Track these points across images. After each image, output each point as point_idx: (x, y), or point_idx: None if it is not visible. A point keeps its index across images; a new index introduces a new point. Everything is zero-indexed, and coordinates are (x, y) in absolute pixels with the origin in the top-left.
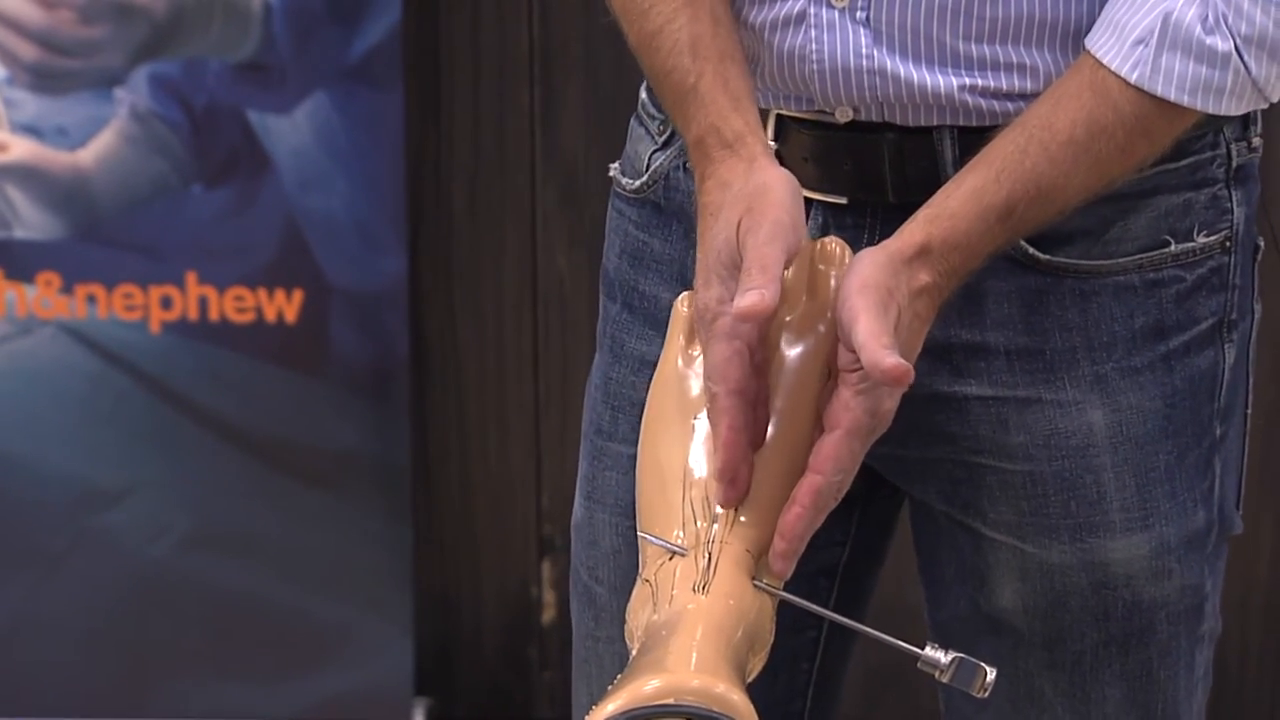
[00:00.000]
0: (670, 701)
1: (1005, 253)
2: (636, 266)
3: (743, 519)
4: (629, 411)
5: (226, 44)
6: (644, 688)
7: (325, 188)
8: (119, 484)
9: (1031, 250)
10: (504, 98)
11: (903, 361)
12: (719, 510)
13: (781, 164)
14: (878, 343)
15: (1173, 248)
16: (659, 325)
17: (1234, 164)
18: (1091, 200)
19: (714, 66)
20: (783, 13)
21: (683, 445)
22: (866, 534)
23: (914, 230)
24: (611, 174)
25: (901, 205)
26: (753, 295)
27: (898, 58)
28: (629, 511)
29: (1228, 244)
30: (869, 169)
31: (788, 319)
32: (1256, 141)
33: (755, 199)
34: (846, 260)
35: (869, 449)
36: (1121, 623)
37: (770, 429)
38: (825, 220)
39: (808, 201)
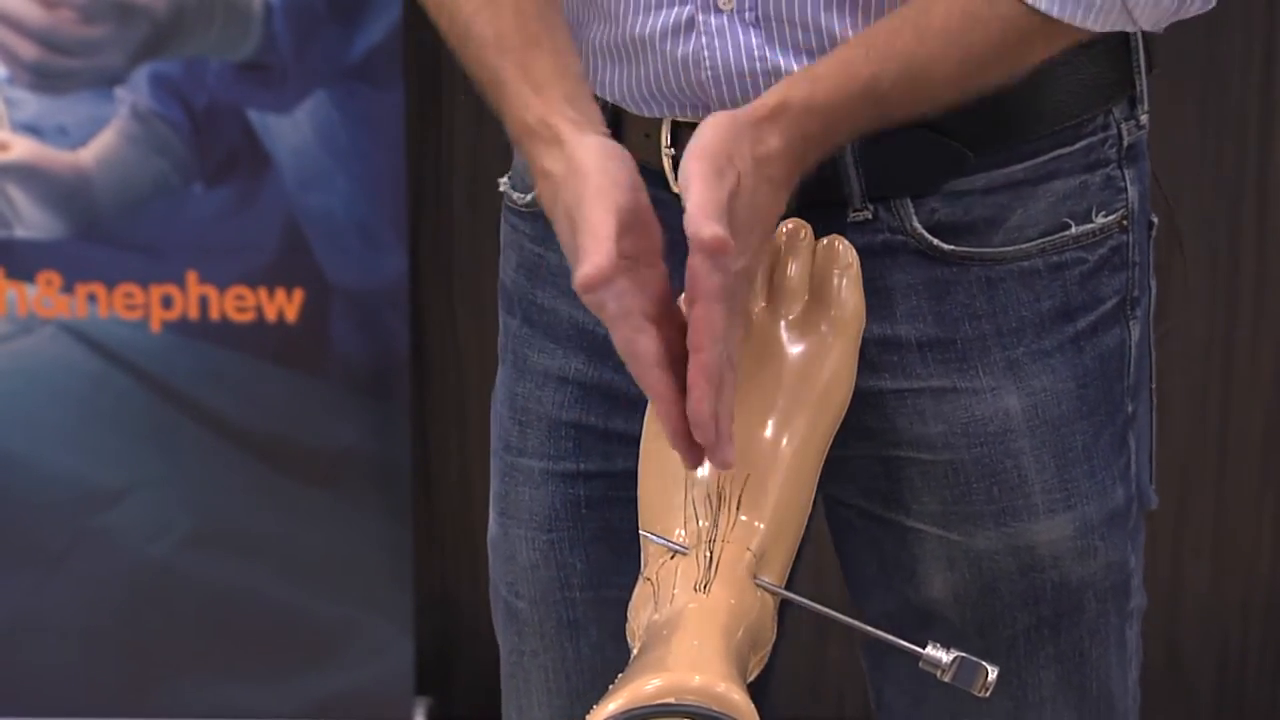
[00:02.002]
0: (671, 701)
1: (909, 245)
2: (533, 280)
3: (744, 518)
4: (537, 426)
5: (227, 43)
6: (645, 687)
7: (326, 187)
8: (119, 483)
9: (935, 241)
10: None
11: (719, 232)
12: (720, 510)
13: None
14: (701, 212)
15: (1073, 230)
16: (559, 338)
17: (1125, 143)
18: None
19: (515, 58)
20: (671, 20)
21: None
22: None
23: (771, 92)
24: (502, 189)
25: (804, 205)
26: (584, 267)
27: (790, 55)
28: (544, 525)
29: (1124, 223)
30: None
31: (790, 318)
32: (1144, 119)
33: (570, 181)
34: (851, 260)
35: None
36: (1051, 604)
37: (772, 428)
38: None
39: None
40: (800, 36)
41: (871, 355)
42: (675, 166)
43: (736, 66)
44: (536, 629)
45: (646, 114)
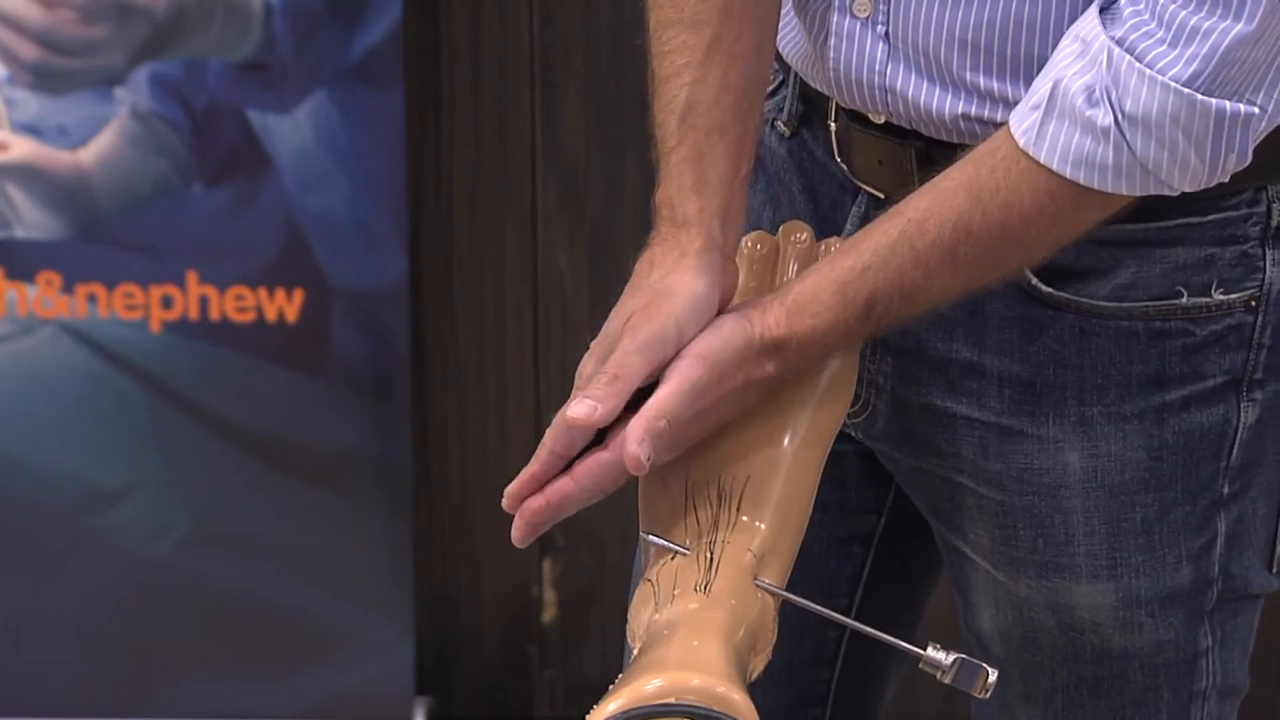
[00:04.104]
0: (671, 701)
1: (1014, 279)
2: None
3: (744, 519)
4: None
5: (227, 44)
6: (645, 687)
7: (326, 187)
8: (119, 484)
9: (1035, 281)
10: (504, 98)
11: (642, 460)
12: (721, 511)
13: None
14: (649, 420)
15: (1184, 300)
16: None
17: (1274, 223)
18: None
19: (696, 138)
20: (821, 9)
21: None
22: (907, 502)
23: (778, 320)
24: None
25: None
26: (584, 407)
27: (911, 76)
28: None
29: (1253, 303)
30: (899, 169)
31: None
32: None
33: (655, 301)
34: None
35: (873, 439)
36: (1092, 666)
37: (773, 429)
38: (866, 209)
39: (855, 190)
40: (922, 63)
41: (954, 376)
42: (839, 141)
43: (857, 75)
44: None
45: (811, 85)
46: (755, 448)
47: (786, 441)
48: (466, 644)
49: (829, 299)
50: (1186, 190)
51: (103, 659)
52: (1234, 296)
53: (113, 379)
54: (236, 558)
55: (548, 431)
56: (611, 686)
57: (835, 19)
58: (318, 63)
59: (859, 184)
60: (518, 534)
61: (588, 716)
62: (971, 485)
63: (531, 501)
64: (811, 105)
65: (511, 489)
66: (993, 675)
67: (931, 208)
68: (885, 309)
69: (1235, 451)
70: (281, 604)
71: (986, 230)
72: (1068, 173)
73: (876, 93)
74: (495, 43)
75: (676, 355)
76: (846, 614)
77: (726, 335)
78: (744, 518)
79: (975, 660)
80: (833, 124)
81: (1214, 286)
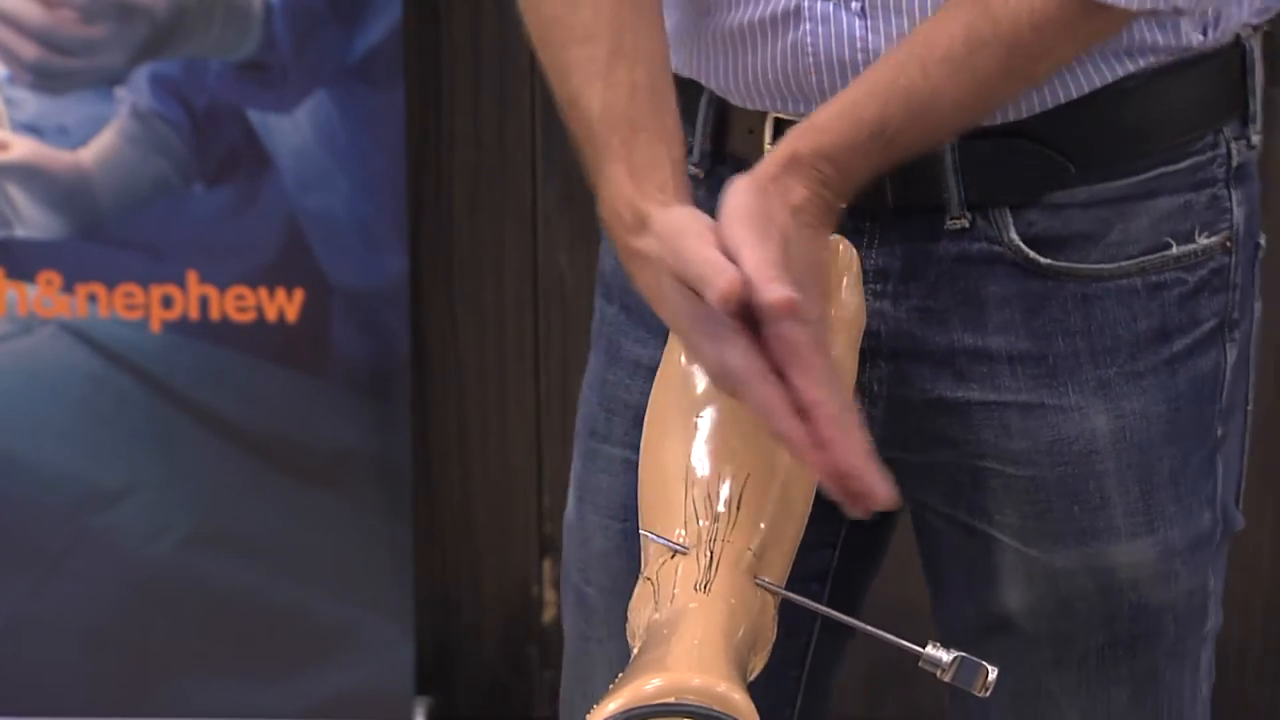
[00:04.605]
0: (671, 700)
1: (1005, 256)
2: None
3: (744, 518)
4: (624, 414)
5: (227, 43)
6: (645, 686)
7: (326, 187)
8: (119, 483)
9: (1032, 254)
10: (504, 98)
11: (788, 294)
12: (721, 510)
13: None
14: (762, 276)
15: (1174, 250)
16: (654, 329)
17: (1234, 163)
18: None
19: (620, 138)
20: (779, 7)
21: (685, 443)
22: (858, 537)
23: (780, 146)
24: None
25: (900, 209)
26: (720, 281)
27: (893, 44)
28: (620, 514)
29: (1228, 244)
30: None
31: None
32: (1255, 139)
33: (669, 242)
34: (852, 261)
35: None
36: (1129, 625)
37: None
38: None
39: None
40: (908, 26)
41: (961, 366)
42: None
43: (839, 55)
44: (604, 617)
45: (751, 107)
46: (755, 446)
47: None
48: (466, 644)
49: (836, 117)
50: (1181, 6)
51: (103, 659)
52: (1213, 240)
53: (113, 379)
54: (236, 558)
55: (781, 433)
56: (611, 686)
57: (807, 5)
58: (318, 62)
59: None
60: (869, 491)
61: (588, 716)
62: (997, 467)
63: (836, 456)
64: (730, 138)
65: (833, 473)
66: (993, 674)
67: (938, 25)
68: (899, 129)
69: (1224, 393)
70: (281, 604)
71: (997, 39)
72: None
73: (862, 70)
74: (495, 43)
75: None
76: (805, 651)
77: (736, 190)
78: (744, 516)
79: (975, 659)
80: (769, 146)
81: (1197, 232)
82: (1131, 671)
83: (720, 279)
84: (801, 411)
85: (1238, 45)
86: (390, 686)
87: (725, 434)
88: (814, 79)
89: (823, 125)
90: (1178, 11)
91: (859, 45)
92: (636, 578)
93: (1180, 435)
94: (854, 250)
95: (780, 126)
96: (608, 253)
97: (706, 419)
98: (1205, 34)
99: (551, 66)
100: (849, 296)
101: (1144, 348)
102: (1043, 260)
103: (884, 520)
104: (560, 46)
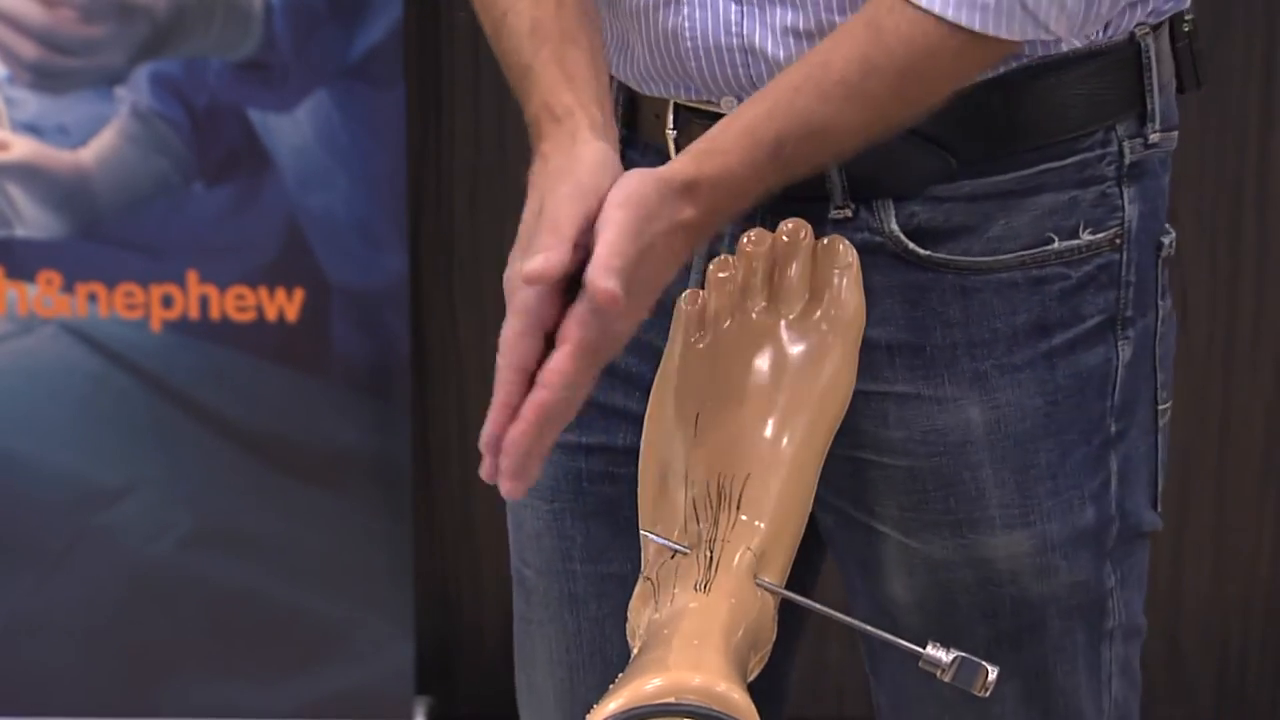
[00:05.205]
0: (671, 700)
1: (886, 247)
2: None
3: (744, 518)
4: None
5: (227, 43)
6: (645, 686)
7: (326, 186)
8: (119, 483)
9: (912, 245)
10: (504, 96)
11: (614, 289)
12: (721, 510)
13: (677, 151)
14: (605, 262)
15: (1056, 245)
16: None
17: (1127, 161)
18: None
19: (551, 47)
20: None
21: (684, 443)
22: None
23: (685, 164)
24: None
25: (786, 198)
26: (538, 259)
27: (770, 33)
28: (547, 495)
29: (1118, 241)
30: None
31: (790, 317)
32: (1155, 138)
33: (562, 172)
34: (851, 259)
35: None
36: (1010, 619)
37: (772, 427)
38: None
39: None
40: (781, 14)
41: None
42: (679, 149)
43: (715, 40)
44: (541, 598)
45: (653, 93)
46: (754, 446)
47: (785, 440)
48: (466, 644)
49: (736, 139)
50: (1061, 35)
51: (102, 658)
52: (1100, 236)
53: (113, 378)
54: (236, 557)
55: (499, 355)
56: (611, 686)
57: None
58: (318, 62)
59: None
60: (507, 478)
61: (588, 716)
62: (874, 458)
63: (512, 430)
64: (636, 126)
65: (486, 430)
66: (993, 674)
67: (834, 48)
68: (795, 149)
69: (1118, 390)
70: (281, 604)
71: (891, 65)
72: (950, 14)
73: (736, 56)
74: None
75: (599, 207)
76: None
77: (637, 181)
78: (743, 516)
79: (975, 659)
80: (671, 132)
81: (1081, 228)
82: (1019, 667)
83: (544, 256)
84: (528, 375)
85: (1131, 43)
86: (390, 686)
87: (725, 434)
88: (693, 64)
89: (724, 148)
90: (1059, 40)
91: (734, 30)
92: (568, 558)
93: (1059, 429)
94: (853, 250)
95: (679, 112)
96: None
97: (706, 419)
98: (1095, 34)
99: None
100: (848, 296)
101: (1022, 341)
102: (922, 251)
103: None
104: None
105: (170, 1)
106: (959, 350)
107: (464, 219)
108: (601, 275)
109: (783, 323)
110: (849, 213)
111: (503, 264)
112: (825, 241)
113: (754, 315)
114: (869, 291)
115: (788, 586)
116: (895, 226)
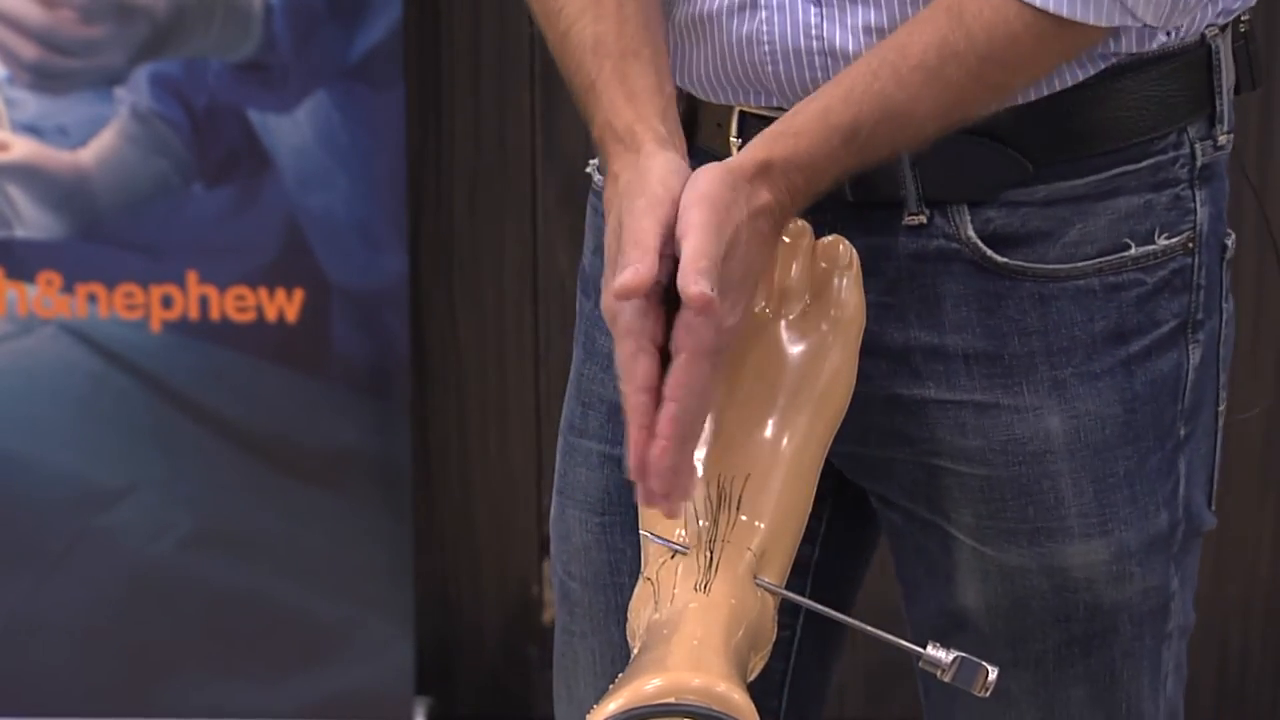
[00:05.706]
0: (671, 700)
1: (962, 254)
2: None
3: (744, 518)
4: (598, 409)
5: (227, 43)
6: (645, 686)
7: (326, 187)
8: (119, 483)
9: (988, 252)
10: (504, 98)
11: (706, 291)
12: (721, 510)
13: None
14: (693, 266)
15: (1133, 251)
16: None
17: (1198, 163)
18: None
19: (613, 64)
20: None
21: None
22: (839, 532)
23: (757, 148)
24: (589, 170)
25: (858, 205)
26: (627, 273)
27: (850, 34)
28: (597, 508)
29: (1190, 245)
30: None
31: (790, 317)
32: (1223, 140)
33: (635, 187)
34: (851, 260)
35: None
36: (1083, 624)
37: (772, 427)
38: None
39: None
40: (862, 14)
41: (916, 363)
42: None
43: (794, 44)
44: (587, 611)
45: (717, 101)
46: (754, 446)
47: (785, 440)
48: (466, 644)
49: (810, 122)
50: (1149, 23)
51: (102, 659)
52: (1174, 240)
53: (113, 379)
54: (236, 558)
55: (621, 382)
56: (611, 686)
57: None
58: (318, 62)
59: None
60: (661, 498)
61: (588, 716)
62: (951, 466)
63: (652, 450)
64: (699, 132)
65: (631, 458)
66: (993, 673)
67: (912, 33)
68: (871, 134)
69: (1188, 393)
70: (281, 604)
71: (971, 50)
72: (1037, 2)
73: (815, 59)
74: (495, 43)
75: (676, 212)
76: (789, 645)
77: (707, 176)
78: (743, 517)
79: (975, 659)
80: (735, 140)
81: (1156, 232)
82: (1087, 671)
83: (631, 269)
84: (656, 394)
85: (1203, 44)
86: (390, 686)
87: (725, 434)
88: (770, 69)
89: (797, 129)
90: (1147, 26)
91: (814, 34)
92: (616, 571)
93: (1136, 437)
94: (853, 250)
95: (745, 120)
96: (587, 246)
97: (707, 419)
98: (1169, 34)
99: (539, 6)
100: (848, 296)
101: (1100, 348)
102: (999, 258)
103: (867, 519)
104: None
105: (170, 2)
106: (1037, 358)
107: (464, 219)
108: (691, 280)
109: (783, 323)
110: (923, 219)
111: (503, 264)
112: (825, 242)
113: (754, 315)
114: (943, 299)
115: (808, 590)
116: (972, 233)
